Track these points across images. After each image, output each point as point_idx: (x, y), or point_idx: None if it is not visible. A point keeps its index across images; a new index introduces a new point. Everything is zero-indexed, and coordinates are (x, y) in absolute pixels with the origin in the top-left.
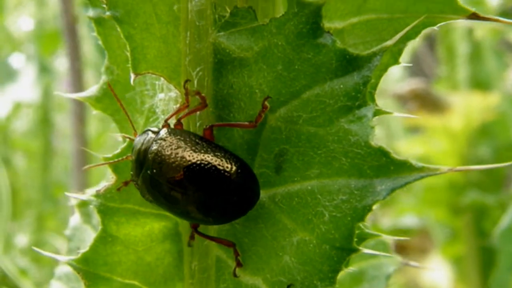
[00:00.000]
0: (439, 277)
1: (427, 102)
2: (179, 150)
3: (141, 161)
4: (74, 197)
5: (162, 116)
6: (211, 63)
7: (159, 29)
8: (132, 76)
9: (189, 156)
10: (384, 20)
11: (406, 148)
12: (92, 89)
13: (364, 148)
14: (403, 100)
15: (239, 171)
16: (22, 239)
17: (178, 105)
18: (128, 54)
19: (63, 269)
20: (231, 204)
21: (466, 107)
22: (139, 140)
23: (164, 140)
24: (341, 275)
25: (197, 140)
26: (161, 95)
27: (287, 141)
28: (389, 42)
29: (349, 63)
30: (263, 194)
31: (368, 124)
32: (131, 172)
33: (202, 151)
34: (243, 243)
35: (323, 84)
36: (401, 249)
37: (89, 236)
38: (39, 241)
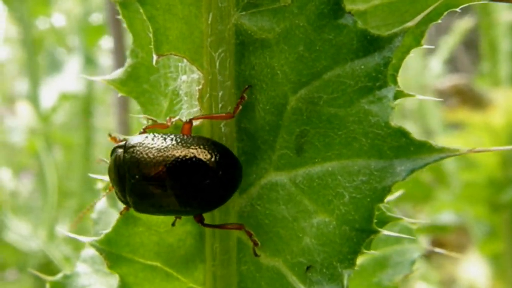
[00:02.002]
0: (477, 274)
1: (468, 98)
2: (152, 149)
3: (121, 176)
4: (100, 179)
5: (186, 98)
6: (233, 45)
7: (182, 10)
8: (155, 57)
9: (162, 150)
10: (407, 2)
11: (446, 144)
12: (117, 72)
13: (384, 128)
14: (444, 95)
15: (213, 157)
16: (63, 228)
17: (200, 87)
18: (151, 35)
19: (88, 251)
20: (214, 189)
21: (507, 104)
22: (111, 161)
23: (133, 146)
24: (365, 260)
25: (164, 136)
26: (184, 77)
27: (308, 122)
28: (410, 23)
29: (370, 43)
30: (284, 175)
31: (389, 105)
32: (117, 194)
33: (174, 143)
34: (264, 225)
35: (344, 65)
36: (438, 245)
37: (115, 219)
38: (79, 230)
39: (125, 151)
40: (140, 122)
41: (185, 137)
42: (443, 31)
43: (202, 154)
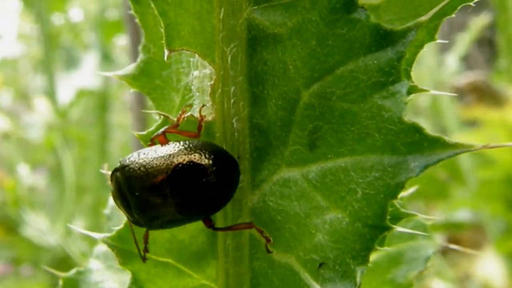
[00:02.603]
0: (492, 272)
1: (485, 95)
2: (145, 162)
3: (124, 197)
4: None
5: (198, 94)
6: (245, 40)
7: (193, 5)
8: (166, 52)
9: (156, 161)
10: None
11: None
12: (129, 67)
13: (398, 124)
14: (461, 93)
15: (210, 159)
16: (80, 224)
17: (212, 82)
18: (163, 31)
19: (101, 247)
20: (212, 189)
21: None
22: (113, 186)
23: (127, 165)
24: (378, 256)
25: (155, 148)
26: (196, 73)
27: (320, 117)
28: (424, 18)
29: (383, 38)
30: (297, 171)
31: (402, 100)
32: (126, 216)
33: (166, 152)
34: (276, 221)
35: (357, 60)
36: (453, 243)
37: None
38: (95, 226)
39: (121, 172)
40: (154, 119)
41: (176, 144)
42: (456, 28)
43: (196, 157)
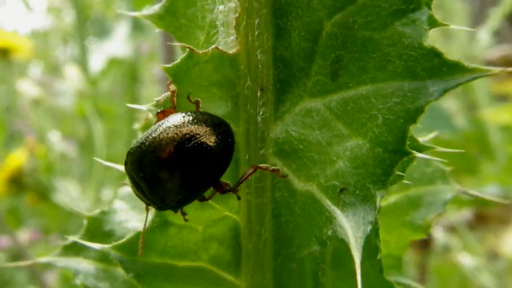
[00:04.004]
0: None
1: None
2: (146, 140)
3: (135, 181)
4: (138, 108)
5: (222, 28)
6: None
7: None
8: None
9: (156, 138)
10: None
11: (492, 116)
12: (155, 7)
13: (418, 49)
14: (493, 66)
15: (204, 126)
16: (109, 193)
17: (236, 15)
18: None
19: (126, 189)
20: (213, 153)
21: None
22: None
23: (131, 151)
24: (399, 199)
25: (153, 129)
26: (221, 7)
27: (343, 47)
28: None
29: None
30: (319, 101)
31: (422, 26)
32: (146, 202)
33: (162, 127)
34: (298, 150)
35: None
36: (481, 218)
37: None
38: None
39: (129, 159)
40: None
41: (172, 118)
42: (488, 4)
43: (193, 128)
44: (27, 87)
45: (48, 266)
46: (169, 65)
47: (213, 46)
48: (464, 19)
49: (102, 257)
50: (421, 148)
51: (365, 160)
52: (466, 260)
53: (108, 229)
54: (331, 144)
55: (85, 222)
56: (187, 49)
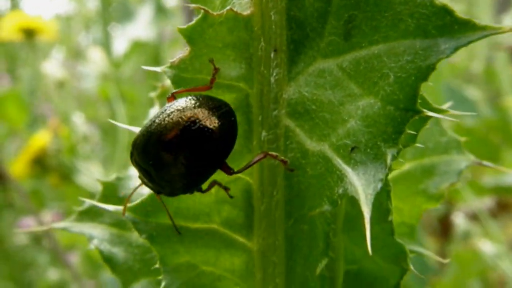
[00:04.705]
0: None
1: None
2: (151, 125)
3: (143, 170)
4: (154, 70)
5: None
6: None
7: None
8: None
9: (159, 124)
10: None
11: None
12: None
13: (429, 7)
14: None
15: (205, 109)
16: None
17: None
18: None
19: None
20: (217, 135)
21: None
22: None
23: (136, 140)
24: (412, 167)
25: (156, 115)
26: None
27: (356, 6)
28: None
29: None
30: (332, 61)
31: None
32: (152, 189)
33: (164, 114)
34: (311, 111)
35: None
36: (503, 207)
37: None
38: None
39: (134, 149)
40: None
41: (168, 105)
42: None
43: (195, 111)
44: (51, 69)
45: (71, 247)
46: (184, 27)
47: (228, 7)
48: (489, 7)
49: (117, 223)
50: (435, 110)
51: (376, 119)
52: (487, 247)
53: (123, 194)
54: (343, 104)
55: (100, 187)
56: (202, 11)
